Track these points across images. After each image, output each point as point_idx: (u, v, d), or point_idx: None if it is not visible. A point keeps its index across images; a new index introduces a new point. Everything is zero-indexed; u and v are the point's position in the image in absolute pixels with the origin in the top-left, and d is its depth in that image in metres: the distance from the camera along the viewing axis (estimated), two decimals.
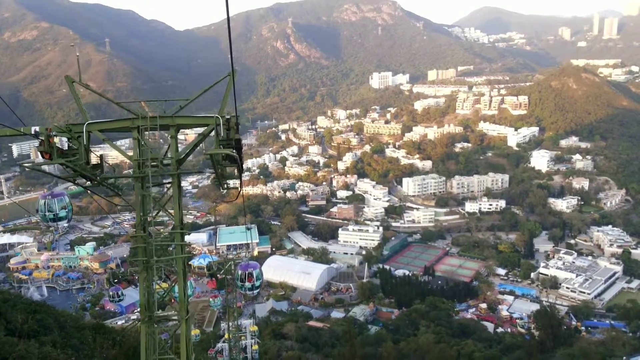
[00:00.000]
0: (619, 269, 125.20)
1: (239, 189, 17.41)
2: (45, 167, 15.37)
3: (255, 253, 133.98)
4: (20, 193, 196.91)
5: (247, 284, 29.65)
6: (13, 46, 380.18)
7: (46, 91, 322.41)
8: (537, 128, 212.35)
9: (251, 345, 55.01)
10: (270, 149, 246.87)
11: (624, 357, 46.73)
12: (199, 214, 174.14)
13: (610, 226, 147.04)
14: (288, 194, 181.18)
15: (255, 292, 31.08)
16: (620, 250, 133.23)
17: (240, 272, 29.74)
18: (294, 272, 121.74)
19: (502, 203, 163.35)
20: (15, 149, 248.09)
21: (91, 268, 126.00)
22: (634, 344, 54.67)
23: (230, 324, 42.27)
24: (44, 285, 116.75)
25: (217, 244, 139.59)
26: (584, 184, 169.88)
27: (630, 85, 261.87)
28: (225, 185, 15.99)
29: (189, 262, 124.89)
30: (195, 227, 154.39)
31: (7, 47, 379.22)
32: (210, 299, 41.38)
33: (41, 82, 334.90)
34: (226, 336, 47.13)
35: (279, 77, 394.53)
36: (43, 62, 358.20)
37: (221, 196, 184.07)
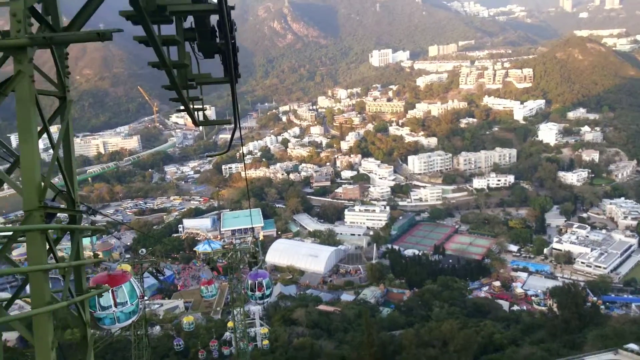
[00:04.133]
0: (634, 241, 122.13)
1: (232, 135, 8.63)
2: None
3: (261, 237, 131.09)
4: None
5: (257, 293, 27.61)
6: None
7: (41, 80, 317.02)
8: (544, 100, 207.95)
9: (260, 333, 52.11)
10: (271, 131, 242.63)
11: None
12: (202, 199, 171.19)
13: (622, 198, 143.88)
14: (291, 176, 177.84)
15: (266, 301, 28.70)
16: (634, 223, 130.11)
17: (250, 281, 27.54)
18: (301, 255, 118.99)
19: (510, 178, 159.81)
20: (14, 139, 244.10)
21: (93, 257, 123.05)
22: None
23: (236, 311, 39.30)
24: None
25: (221, 229, 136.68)
26: (594, 156, 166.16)
27: (636, 54, 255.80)
28: (199, 116, 8.38)
29: (193, 249, 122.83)
30: (199, 213, 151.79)
31: None
32: (202, 287, 35.47)
33: None
34: (229, 324, 43.98)
35: (277, 58, 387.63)
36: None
37: (224, 180, 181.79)
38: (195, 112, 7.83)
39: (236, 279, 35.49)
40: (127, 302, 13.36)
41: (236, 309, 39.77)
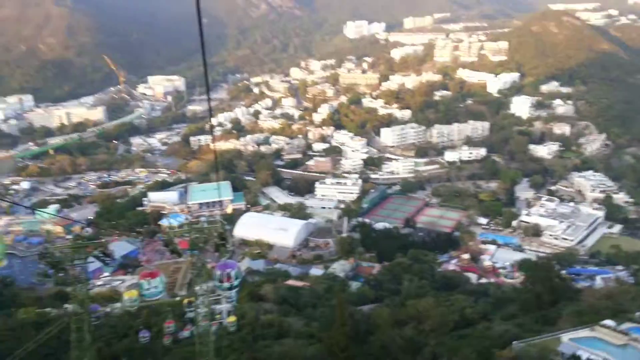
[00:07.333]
0: (600, 214, 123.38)
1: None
2: None
3: (229, 210, 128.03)
4: None
5: (225, 284, 25.37)
6: None
7: (2, 49, 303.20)
8: (518, 74, 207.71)
9: (227, 311, 49.34)
10: (242, 103, 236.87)
11: (638, 313, 42.70)
12: (169, 172, 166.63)
13: (591, 171, 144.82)
14: (262, 148, 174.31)
15: (234, 291, 26.36)
16: (602, 196, 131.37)
17: (218, 272, 25.26)
18: (270, 229, 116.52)
19: (482, 151, 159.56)
20: None
21: (54, 232, 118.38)
22: None
23: (199, 288, 36.32)
24: None
25: (188, 203, 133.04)
26: (565, 129, 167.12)
27: (609, 28, 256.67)
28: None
29: (158, 223, 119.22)
30: (165, 186, 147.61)
31: None
32: (141, 281, 26.11)
33: None
34: (184, 301, 41.03)
35: (250, 29, 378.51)
36: None
37: (192, 153, 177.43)
38: None
39: (200, 258, 32.33)
40: None
41: (198, 285, 36.66)
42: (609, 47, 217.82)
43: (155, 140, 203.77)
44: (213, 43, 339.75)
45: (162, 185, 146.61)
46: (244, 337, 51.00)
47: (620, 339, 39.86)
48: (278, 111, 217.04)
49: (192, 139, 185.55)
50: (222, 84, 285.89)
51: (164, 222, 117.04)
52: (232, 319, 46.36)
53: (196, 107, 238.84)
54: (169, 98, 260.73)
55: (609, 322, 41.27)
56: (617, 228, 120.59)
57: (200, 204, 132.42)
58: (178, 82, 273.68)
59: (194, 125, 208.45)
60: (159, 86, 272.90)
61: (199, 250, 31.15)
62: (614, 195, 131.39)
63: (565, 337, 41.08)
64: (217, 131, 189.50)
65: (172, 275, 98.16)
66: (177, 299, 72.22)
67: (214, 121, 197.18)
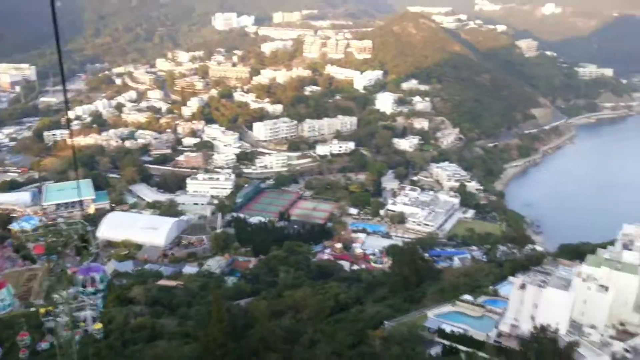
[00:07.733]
0: (456, 201, 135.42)
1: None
2: None
3: (91, 210, 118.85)
4: None
5: (90, 289, 22.72)
6: None
7: None
8: (381, 71, 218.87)
9: (92, 318, 45.36)
10: (103, 95, 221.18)
11: (491, 287, 47.69)
12: (19, 170, 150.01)
13: (447, 162, 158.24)
14: (127, 144, 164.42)
15: (100, 296, 23.94)
16: (457, 184, 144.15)
17: (81, 277, 22.57)
18: (139, 228, 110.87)
19: (351, 145, 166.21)
20: None
21: None
22: (496, 272, 56.83)
23: (58, 295, 32.80)
24: None
25: (43, 204, 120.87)
26: (424, 124, 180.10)
27: (460, 32, 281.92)
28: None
29: (7, 227, 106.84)
30: (15, 186, 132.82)
31: None
32: None
33: None
34: (41, 311, 37.16)
35: (110, 15, 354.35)
36: None
37: (46, 149, 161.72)
38: None
39: (58, 263, 28.99)
40: None
41: (58, 293, 33.00)
42: (460, 49, 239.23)
43: (2, 136, 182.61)
44: (68, 29, 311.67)
45: (12, 186, 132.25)
46: (111, 343, 47.85)
47: (477, 311, 44.61)
48: (144, 104, 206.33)
49: (45, 133, 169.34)
50: (79, 74, 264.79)
51: (15, 226, 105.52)
52: (99, 325, 42.78)
53: (50, 99, 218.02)
54: (18, 88, 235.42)
55: (467, 297, 45.92)
56: (470, 213, 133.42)
57: (58, 204, 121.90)
58: (28, 71, 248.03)
59: (47, 118, 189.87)
60: (4, 75, 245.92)
61: (57, 254, 28.14)
62: (467, 184, 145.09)
63: (431, 313, 44.84)
64: (75, 125, 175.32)
65: (27, 283, 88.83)
66: (33, 309, 65.57)
67: (71, 114, 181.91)
